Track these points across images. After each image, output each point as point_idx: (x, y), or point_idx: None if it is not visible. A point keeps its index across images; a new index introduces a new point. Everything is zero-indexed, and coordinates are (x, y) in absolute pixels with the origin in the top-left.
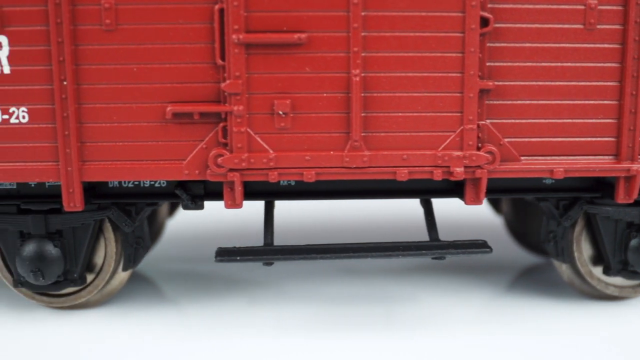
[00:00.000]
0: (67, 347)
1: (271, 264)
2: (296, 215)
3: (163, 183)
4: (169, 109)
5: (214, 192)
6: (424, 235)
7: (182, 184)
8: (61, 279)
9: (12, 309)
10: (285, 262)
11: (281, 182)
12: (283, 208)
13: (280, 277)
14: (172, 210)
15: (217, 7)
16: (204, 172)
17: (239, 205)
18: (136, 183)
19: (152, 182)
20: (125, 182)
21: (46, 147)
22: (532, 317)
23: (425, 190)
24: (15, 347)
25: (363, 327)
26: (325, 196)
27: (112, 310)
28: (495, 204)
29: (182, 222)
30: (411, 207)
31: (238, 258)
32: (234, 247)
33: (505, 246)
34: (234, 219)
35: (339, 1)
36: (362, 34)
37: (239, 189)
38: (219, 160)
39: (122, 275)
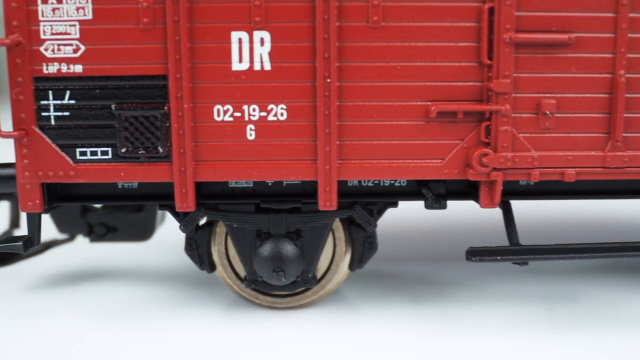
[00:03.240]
0: (261, 344)
1: (526, 263)
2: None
3: (403, 182)
4: (433, 107)
5: (455, 191)
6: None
7: (424, 183)
8: (298, 279)
9: (227, 310)
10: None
11: (520, 181)
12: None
13: (441, 276)
14: None
15: (486, 6)
16: (463, 171)
17: (496, 205)
18: (376, 182)
19: (392, 181)
20: (364, 181)
21: (303, 145)
22: None
23: None
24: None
25: (523, 327)
26: (561, 196)
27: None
28: None
29: None
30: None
31: (499, 258)
32: (485, 246)
33: None
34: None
35: (608, 2)
36: (629, 35)
37: (499, 188)
38: (484, 159)
39: (342, 276)
